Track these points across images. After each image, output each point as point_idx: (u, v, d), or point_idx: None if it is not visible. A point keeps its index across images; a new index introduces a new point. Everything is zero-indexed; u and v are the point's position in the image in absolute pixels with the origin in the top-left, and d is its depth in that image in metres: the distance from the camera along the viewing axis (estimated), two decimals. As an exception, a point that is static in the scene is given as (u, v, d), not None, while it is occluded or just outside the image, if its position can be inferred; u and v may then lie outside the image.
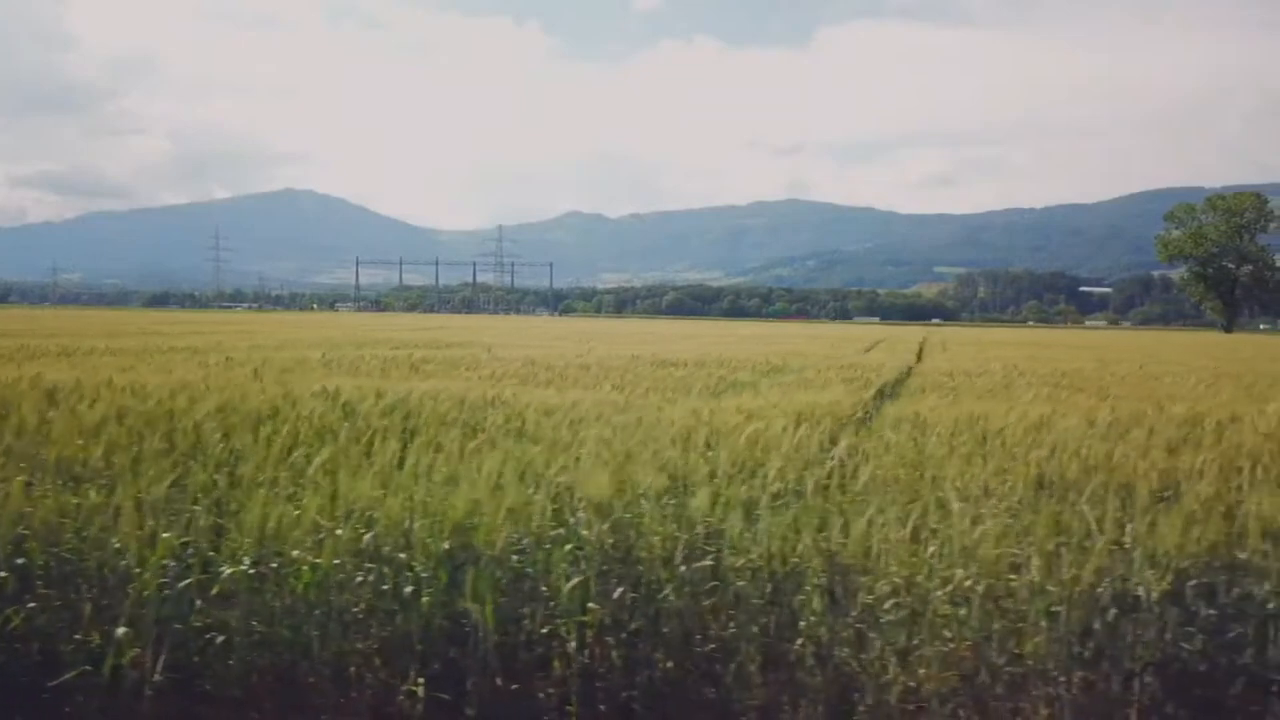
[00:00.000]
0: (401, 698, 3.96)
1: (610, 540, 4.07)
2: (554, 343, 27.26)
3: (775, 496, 4.73)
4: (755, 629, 4.04)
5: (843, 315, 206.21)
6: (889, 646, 3.96)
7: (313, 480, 4.65)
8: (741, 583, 4.11)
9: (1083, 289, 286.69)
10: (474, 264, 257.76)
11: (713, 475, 4.96)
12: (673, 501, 4.36)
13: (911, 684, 3.99)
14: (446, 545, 4.01)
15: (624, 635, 4.03)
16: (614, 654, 4.02)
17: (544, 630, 4.02)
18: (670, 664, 4.01)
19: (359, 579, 4.04)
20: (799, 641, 4.02)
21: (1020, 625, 4.01)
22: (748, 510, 4.37)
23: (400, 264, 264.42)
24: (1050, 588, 3.99)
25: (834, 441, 6.26)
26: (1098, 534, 4.16)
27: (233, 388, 7.52)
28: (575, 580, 3.91)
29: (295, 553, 4.08)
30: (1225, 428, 6.68)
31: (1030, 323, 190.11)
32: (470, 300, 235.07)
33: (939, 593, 3.99)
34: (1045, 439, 6.02)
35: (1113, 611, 3.95)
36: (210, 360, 12.61)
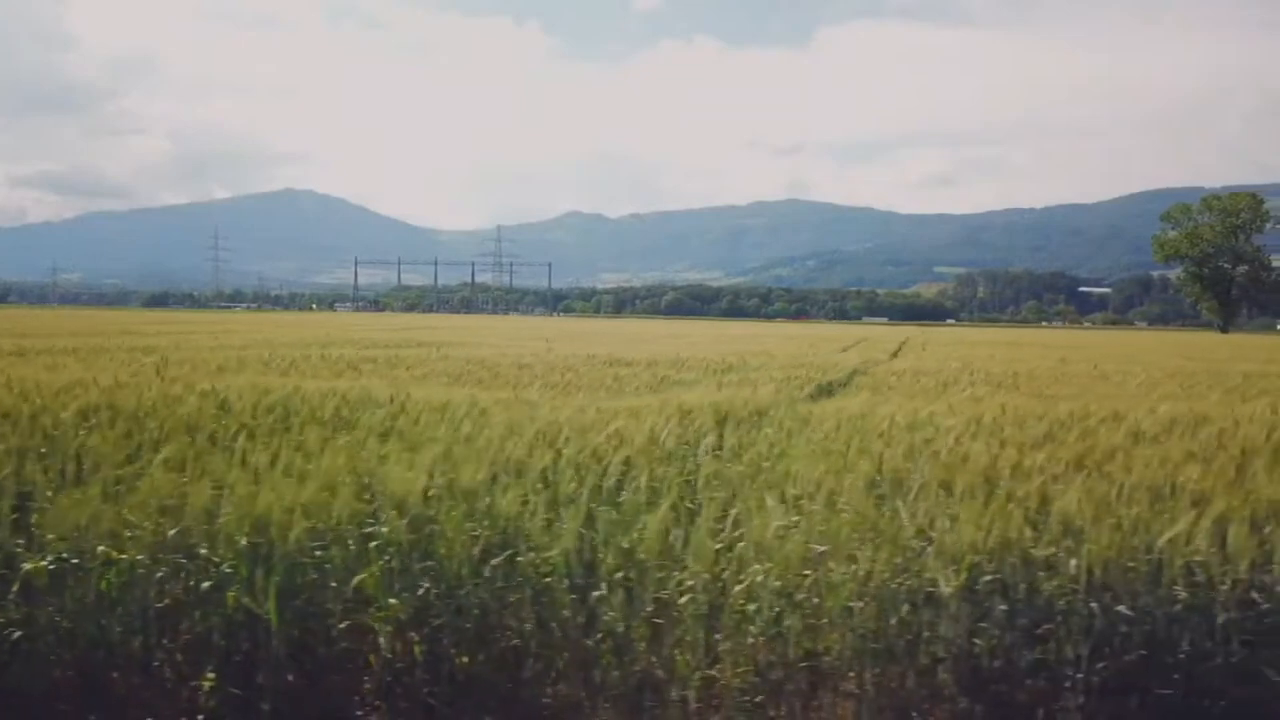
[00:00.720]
0: (200, 694, 3.98)
1: (409, 537, 4.09)
2: (526, 342, 27.27)
3: (606, 492, 4.74)
4: (555, 625, 4.05)
5: (842, 315, 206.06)
6: (685, 642, 3.98)
7: (148, 476, 4.66)
8: (547, 579, 4.12)
9: (1082, 289, 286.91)
10: (473, 264, 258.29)
11: (552, 468, 4.97)
12: (486, 497, 4.36)
13: (713, 678, 4.01)
14: (244, 540, 4.02)
15: (426, 631, 4.04)
16: (416, 650, 4.04)
17: (342, 625, 4.04)
18: (467, 659, 4.03)
19: (160, 574, 4.05)
20: (598, 637, 4.04)
21: (819, 621, 4.02)
22: (564, 506, 4.38)
23: (399, 264, 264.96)
24: (848, 583, 4.01)
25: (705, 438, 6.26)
26: (905, 530, 4.18)
27: (127, 387, 7.53)
28: (361, 575, 3.93)
29: (100, 548, 4.10)
30: (1103, 425, 6.68)
31: (1044, 323, 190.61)
32: (469, 300, 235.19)
33: (736, 589, 4.01)
34: (910, 438, 6.02)
35: (906, 607, 3.97)
36: (146, 360, 12.62)
